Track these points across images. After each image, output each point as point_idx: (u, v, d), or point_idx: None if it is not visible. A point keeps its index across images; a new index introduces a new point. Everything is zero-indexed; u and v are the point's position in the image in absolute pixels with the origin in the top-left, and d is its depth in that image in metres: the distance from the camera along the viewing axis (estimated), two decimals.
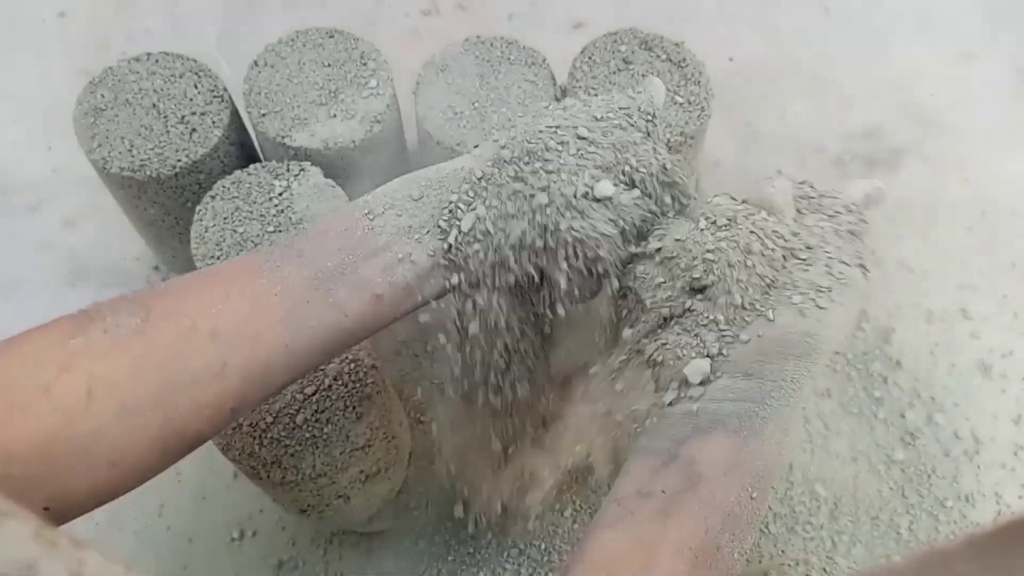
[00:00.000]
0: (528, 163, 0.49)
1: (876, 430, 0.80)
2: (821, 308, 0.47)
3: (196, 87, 0.74)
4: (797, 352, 0.46)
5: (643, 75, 0.69)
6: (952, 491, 0.78)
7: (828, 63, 1.02)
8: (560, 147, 0.49)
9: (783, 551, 0.76)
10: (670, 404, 0.47)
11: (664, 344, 0.48)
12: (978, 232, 0.91)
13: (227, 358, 0.45)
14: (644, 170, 0.50)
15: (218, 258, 0.66)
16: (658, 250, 0.49)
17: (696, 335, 0.47)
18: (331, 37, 0.76)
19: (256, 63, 0.75)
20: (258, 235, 0.67)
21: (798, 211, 0.52)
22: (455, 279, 0.51)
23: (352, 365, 0.61)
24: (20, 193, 0.94)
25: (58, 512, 0.41)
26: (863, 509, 0.77)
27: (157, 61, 0.75)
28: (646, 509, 0.44)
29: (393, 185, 0.51)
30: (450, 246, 0.50)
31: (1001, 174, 0.95)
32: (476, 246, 0.49)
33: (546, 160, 0.49)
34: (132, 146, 0.71)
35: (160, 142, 0.71)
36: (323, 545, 0.76)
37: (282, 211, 0.68)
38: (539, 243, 0.49)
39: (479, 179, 0.50)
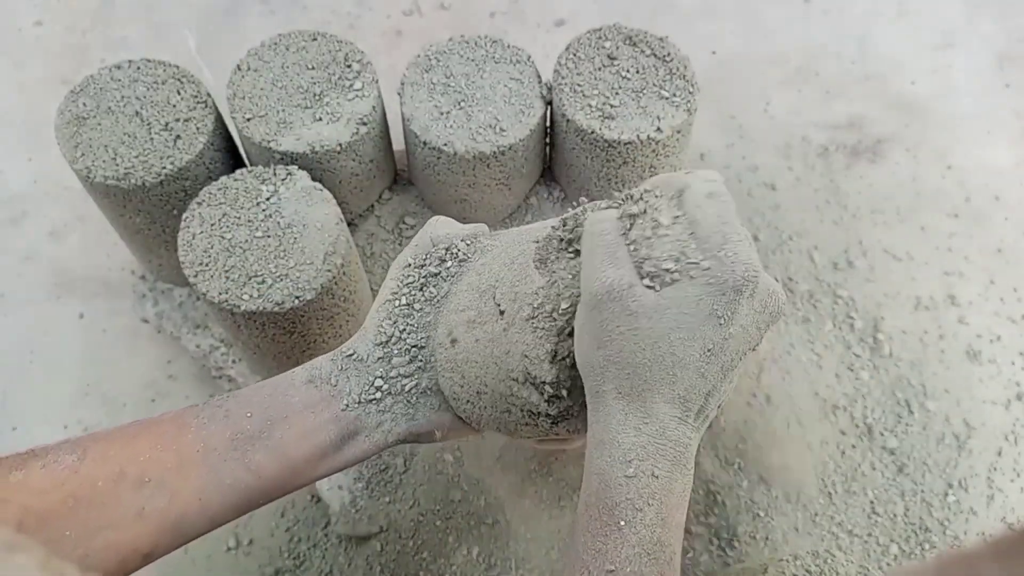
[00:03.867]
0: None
1: (868, 419, 0.81)
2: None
3: (179, 93, 0.73)
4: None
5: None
6: (945, 477, 0.79)
7: (810, 54, 1.03)
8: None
9: (780, 547, 0.76)
10: None
11: None
12: (963, 218, 0.92)
13: (146, 505, 0.49)
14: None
15: (207, 265, 0.65)
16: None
17: None
18: (314, 40, 0.76)
19: (239, 67, 0.74)
20: (246, 240, 0.66)
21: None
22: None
23: None
24: (2, 205, 0.93)
25: None
26: (857, 500, 0.78)
27: (139, 68, 0.74)
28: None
29: (340, 360, 0.56)
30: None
31: (984, 160, 0.95)
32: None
33: None
34: (116, 154, 0.70)
35: (144, 150, 0.70)
36: (320, 552, 0.76)
37: (270, 216, 0.67)
38: None
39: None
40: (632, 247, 0.47)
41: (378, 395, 0.55)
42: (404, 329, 0.56)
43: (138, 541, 0.49)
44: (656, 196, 0.49)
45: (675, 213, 0.47)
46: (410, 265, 0.57)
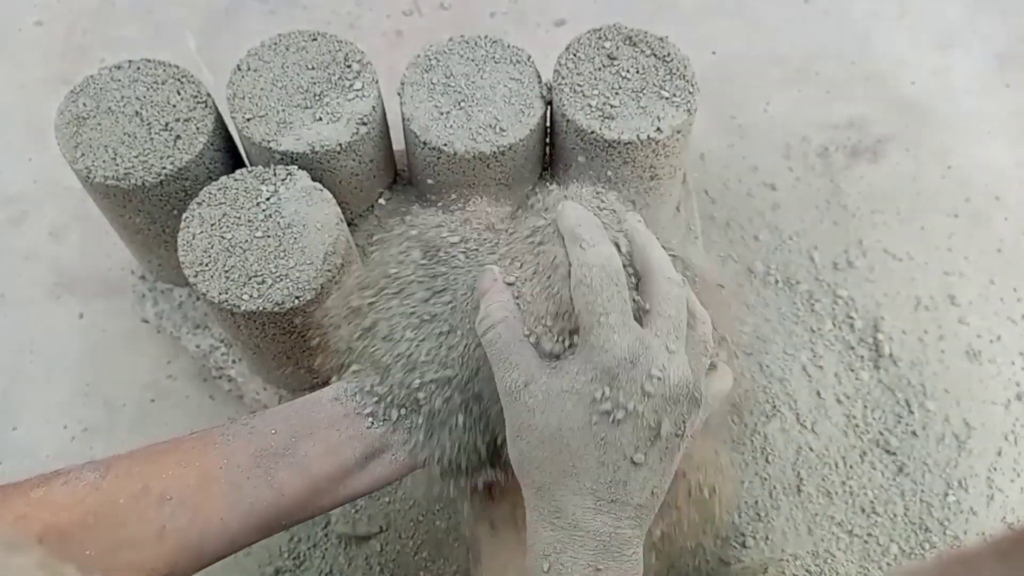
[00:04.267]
0: None
1: (867, 419, 0.81)
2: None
3: (179, 93, 0.73)
4: None
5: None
6: (945, 477, 0.79)
7: (810, 54, 1.03)
8: None
9: (780, 547, 0.76)
10: None
11: None
12: (963, 219, 0.92)
13: (167, 523, 0.48)
14: None
15: (207, 265, 0.65)
16: None
17: None
18: (314, 40, 0.76)
19: (239, 67, 0.74)
20: (246, 240, 0.66)
21: None
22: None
23: None
24: (2, 205, 0.93)
25: None
26: (856, 500, 0.78)
27: (139, 68, 0.74)
28: None
29: (365, 379, 0.54)
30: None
31: (983, 160, 0.95)
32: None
33: None
34: (116, 155, 0.70)
35: (144, 150, 0.70)
36: (320, 552, 0.76)
37: (270, 216, 0.67)
38: None
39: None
40: (525, 332, 0.48)
41: (404, 412, 0.53)
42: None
43: (158, 561, 0.48)
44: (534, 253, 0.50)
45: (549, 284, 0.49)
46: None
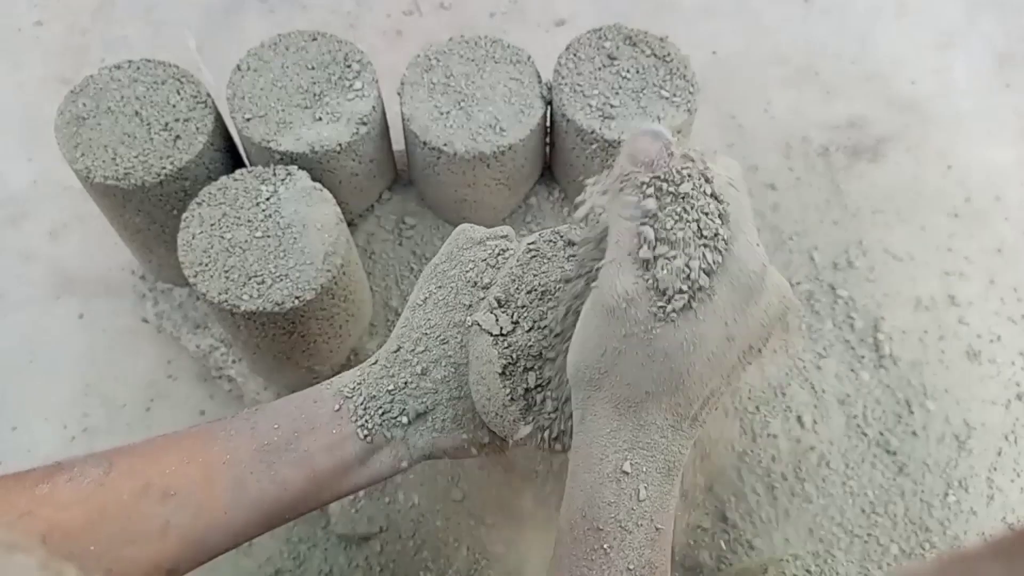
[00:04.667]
0: None
1: (867, 419, 0.81)
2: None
3: (179, 93, 0.73)
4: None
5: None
6: (945, 477, 0.79)
7: (810, 54, 1.03)
8: None
9: (780, 547, 0.76)
10: None
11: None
12: (963, 218, 0.92)
13: (171, 519, 0.48)
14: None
15: (207, 265, 0.65)
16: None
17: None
18: (314, 40, 0.76)
19: (239, 67, 0.74)
20: (246, 240, 0.66)
21: None
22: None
23: None
24: (1, 205, 0.93)
25: None
26: (856, 500, 0.78)
27: (139, 68, 0.74)
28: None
29: (366, 372, 0.55)
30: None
31: (984, 160, 0.95)
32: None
33: None
34: (116, 155, 0.70)
35: (144, 150, 0.70)
36: (320, 552, 0.76)
37: (269, 216, 0.67)
38: None
39: None
40: (649, 260, 0.44)
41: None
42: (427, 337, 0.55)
43: (161, 556, 0.48)
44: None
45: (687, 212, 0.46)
46: (442, 271, 0.56)
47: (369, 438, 0.53)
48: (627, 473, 0.44)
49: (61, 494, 0.47)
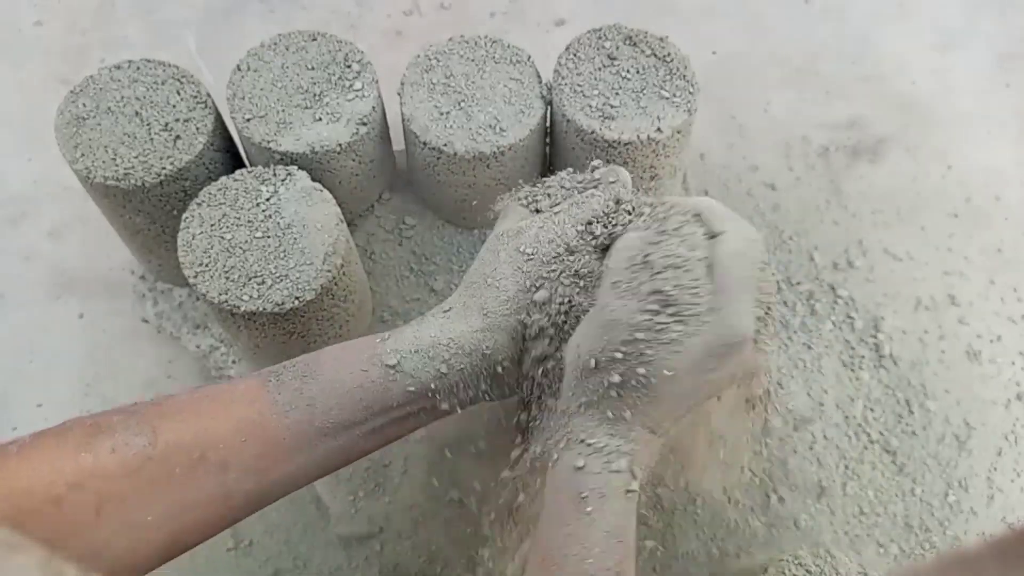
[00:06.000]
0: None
1: (867, 419, 0.81)
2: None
3: (179, 94, 0.73)
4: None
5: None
6: (945, 478, 0.79)
7: (810, 54, 1.03)
8: None
9: (779, 546, 0.76)
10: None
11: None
12: (963, 219, 0.92)
13: (233, 487, 0.49)
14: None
15: (207, 265, 0.65)
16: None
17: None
18: (314, 40, 0.76)
19: (239, 68, 0.74)
20: (246, 241, 0.66)
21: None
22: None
23: None
24: (1, 205, 0.93)
25: None
26: (856, 500, 0.78)
27: (139, 68, 0.74)
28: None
29: (417, 333, 0.54)
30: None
31: (984, 160, 0.95)
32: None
33: None
34: (115, 155, 0.70)
35: (144, 150, 0.70)
36: (320, 552, 0.76)
37: (270, 216, 0.67)
38: None
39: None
40: (652, 268, 0.50)
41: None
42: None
43: (228, 517, 0.50)
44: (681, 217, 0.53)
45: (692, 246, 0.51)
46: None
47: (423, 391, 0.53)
48: (606, 456, 0.50)
49: (107, 466, 0.45)
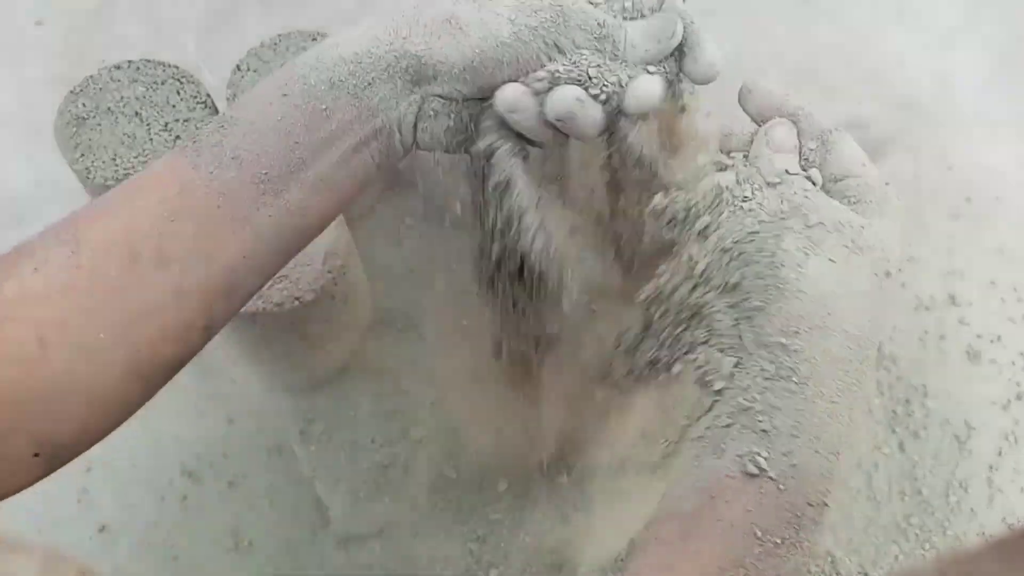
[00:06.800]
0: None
1: (867, 420, 0.81)
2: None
3: (179, 94, 0.73)
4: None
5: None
6: (945, 478, 0.79)
7: (810, 54, 1.03)
8: None
9: None
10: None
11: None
12: (964, 219, 0.92)
13: (182, 281, 0.41)
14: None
15: None
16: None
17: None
18: (314, 40, 0.76)
19: (239, 67, 0.74)
20: None
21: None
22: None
23: None
24: (1, 205, 0.93)
25: (50, 456, 0.40)
26: (856, 500, 0.78)
27: (138, 68, 0.74)
28: (669, 531, 0.41)
29: (328, 52, 0.44)
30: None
31: (985, 160, 0.95)
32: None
33: None
34: (116, 155, 0.70)
35: (144, 150, 0.70)
36: (320, 552, 0.76)
37: None
38: None
39: None
40: None
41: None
42: None
43: (189, 318, 0.42)
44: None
45: None
46: None
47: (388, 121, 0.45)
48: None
49: (33, 288, 0.40)
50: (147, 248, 0.41)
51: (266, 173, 0.42)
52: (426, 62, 0.43)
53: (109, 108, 0.72)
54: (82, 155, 0.70)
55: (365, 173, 0.45)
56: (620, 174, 0.50)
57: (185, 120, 0.72)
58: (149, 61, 0.74)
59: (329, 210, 0.45)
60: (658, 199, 0.47)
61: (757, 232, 0.43)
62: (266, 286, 0.64)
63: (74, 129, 0.71)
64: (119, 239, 0.41)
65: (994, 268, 0.89)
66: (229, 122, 0.43)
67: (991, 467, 0.79)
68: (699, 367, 0.43)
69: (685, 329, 0.44)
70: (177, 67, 0.75)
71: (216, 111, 0.73)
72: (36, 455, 0.39)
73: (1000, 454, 0.80)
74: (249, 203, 0.42)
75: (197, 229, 0.42)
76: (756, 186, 0.45)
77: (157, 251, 0.41)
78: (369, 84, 0.43)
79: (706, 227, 0.44)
